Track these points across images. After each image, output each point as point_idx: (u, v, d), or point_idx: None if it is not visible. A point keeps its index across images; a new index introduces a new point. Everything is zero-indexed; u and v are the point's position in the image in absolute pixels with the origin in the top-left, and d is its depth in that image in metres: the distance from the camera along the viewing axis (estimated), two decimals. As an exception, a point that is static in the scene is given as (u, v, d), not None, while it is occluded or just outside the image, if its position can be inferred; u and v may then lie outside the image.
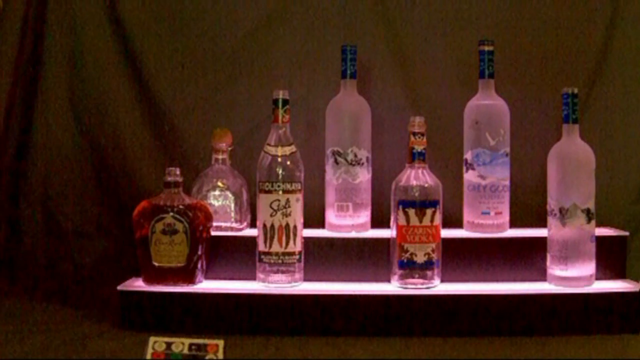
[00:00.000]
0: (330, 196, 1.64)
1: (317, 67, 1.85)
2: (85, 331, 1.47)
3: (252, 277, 1.53)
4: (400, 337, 1.44)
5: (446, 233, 1.55)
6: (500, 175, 1.62)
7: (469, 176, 1.63)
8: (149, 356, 0.79)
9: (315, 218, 1.67)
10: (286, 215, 1.49)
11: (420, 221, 1.48)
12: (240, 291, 1.50)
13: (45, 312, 1.62)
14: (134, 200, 1.60)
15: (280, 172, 1.50)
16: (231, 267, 1.58)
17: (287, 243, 1.49)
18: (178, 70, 1.87)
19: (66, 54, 1.87)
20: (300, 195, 1.51)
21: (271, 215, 1.49)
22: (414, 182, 1.50)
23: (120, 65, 1.87)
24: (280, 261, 1.49)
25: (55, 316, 1.59)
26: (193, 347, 0.81)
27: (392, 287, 1.51)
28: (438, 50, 1.85)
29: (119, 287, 1.51)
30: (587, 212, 1.49)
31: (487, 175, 1.62)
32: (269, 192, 1.50)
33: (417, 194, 1.49)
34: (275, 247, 1.49)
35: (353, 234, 1.62)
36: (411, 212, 1.48)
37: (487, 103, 1.64)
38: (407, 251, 1.48)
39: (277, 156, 1.51)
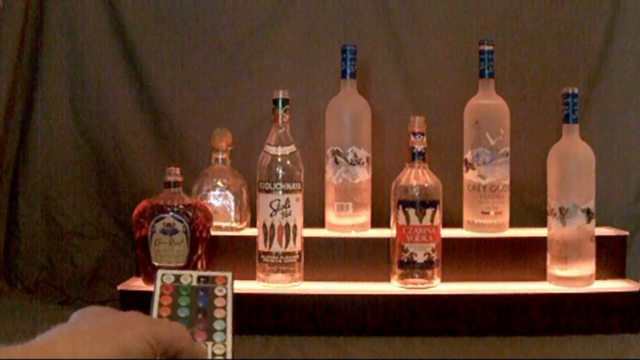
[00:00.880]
0: (330, 196, 1.64)
1: (317, 67, 1.85)
2: (85, 331, 1.47)
3: (252, 277, 1.53)
4: (400, 337, 1.44)
5: (446, 233, 1.55)
6: (500, 175, 1.62)
7: (469, 176, 1.63)
8: (157, 289, 0.80)
9: (315, 218, 1.67)
10: (286, 215, 1.49)
11: (420, 221, 1.48)
12: (240, 291, 1.49)
13: (45, 312, 1.62)
14: (134, 200, 1.60)
15: (280, 172, 1.50)
16: (231, 267, 1.57)
17: (287, 243, 1.49)
18: (178, 70, 1.87)
19: (66, 54, 1.87)
20: (300, 195, 1.51)
21: (271, 215, 1.49)
22: (414, 182, 1.50)
23: (120, 65, 1.86)
24: (280, 261, 1.49)
25: (56, 316, 1.59)
26: (202, 279, 0.82)
27: (392, 286, 1.51)
28: (438, 50, 1.85)
29: (119, 287, 1.51)
30: (587, 212, 1.49)
31: (487, 175, 1.62)
32: (269, 191, 1.49)
33: (417, 194, 1.49)
34: (275, 247, 1.49)
35: (353, 234, 1.62)
36: (411, 211, 1.48)
37: (487, 103, 1.64)
38: (407, 251, 1.48)
39: (277, 156, 1.51)
